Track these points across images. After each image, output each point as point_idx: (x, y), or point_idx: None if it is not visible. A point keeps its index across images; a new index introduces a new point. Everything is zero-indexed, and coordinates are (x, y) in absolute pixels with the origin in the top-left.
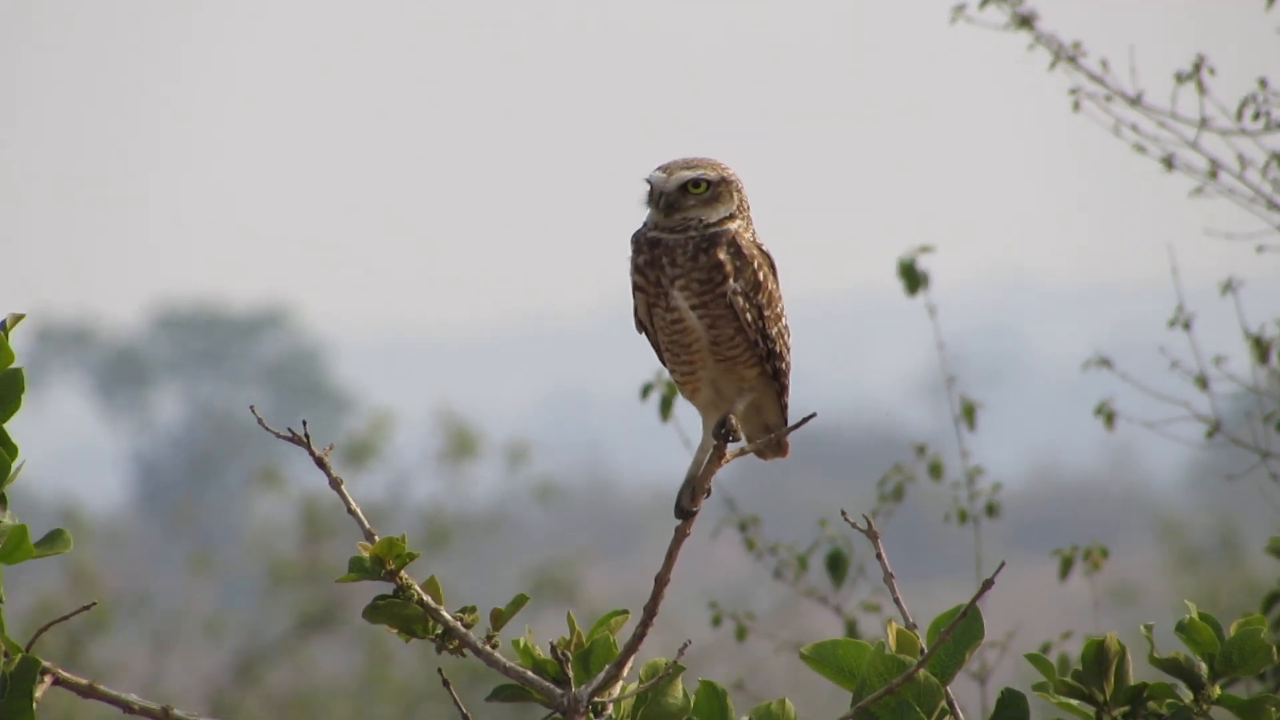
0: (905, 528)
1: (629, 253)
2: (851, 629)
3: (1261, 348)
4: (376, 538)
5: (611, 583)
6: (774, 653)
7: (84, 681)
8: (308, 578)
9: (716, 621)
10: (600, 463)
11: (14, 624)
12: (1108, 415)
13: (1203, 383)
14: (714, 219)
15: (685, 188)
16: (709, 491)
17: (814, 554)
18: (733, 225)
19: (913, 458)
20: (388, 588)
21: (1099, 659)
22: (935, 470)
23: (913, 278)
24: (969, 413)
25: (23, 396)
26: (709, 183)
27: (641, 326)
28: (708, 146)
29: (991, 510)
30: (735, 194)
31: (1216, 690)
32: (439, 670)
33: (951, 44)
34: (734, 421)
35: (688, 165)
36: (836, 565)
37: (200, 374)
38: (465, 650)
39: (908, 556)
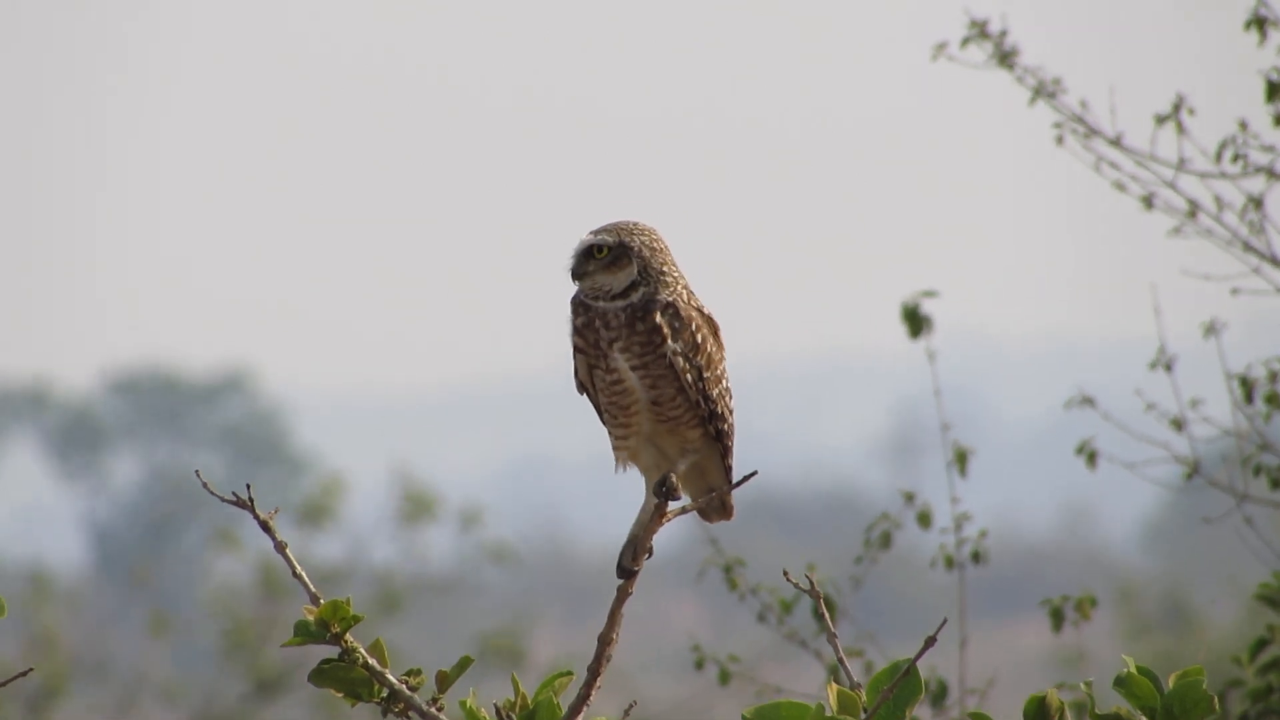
0: (882, 580)
1: (569, 315)
2: (835, 674)
3: (1247, 387)
4: (322, 600)
5: (567, 646)
6: (753, 696)
7: None
8: (265, 640)
9: (699, 665)
10: (557, 526)
11: None
12: (1089, 455)
13: (1179, 425)
14: (619, 286)
15: (590, 252)
16: (651, 551)
17: (796, 599)
18: (677, 288)
19: (874, 518)
20: (337, 651)
21: (1040, 715)
22: (924, 519)
23: (915, 322)
24: (961, 458)
25: None
26: (609, 248)
27: (583, 388)
28: (656, 209)
29: (977, 557)
30: (636, 260)
31: None
32: None
33: (916, 105)
34: (675, 479)
35: (595, 231)
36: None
37: (156, 437)
38: (411, 713)
39: (888, 608)
